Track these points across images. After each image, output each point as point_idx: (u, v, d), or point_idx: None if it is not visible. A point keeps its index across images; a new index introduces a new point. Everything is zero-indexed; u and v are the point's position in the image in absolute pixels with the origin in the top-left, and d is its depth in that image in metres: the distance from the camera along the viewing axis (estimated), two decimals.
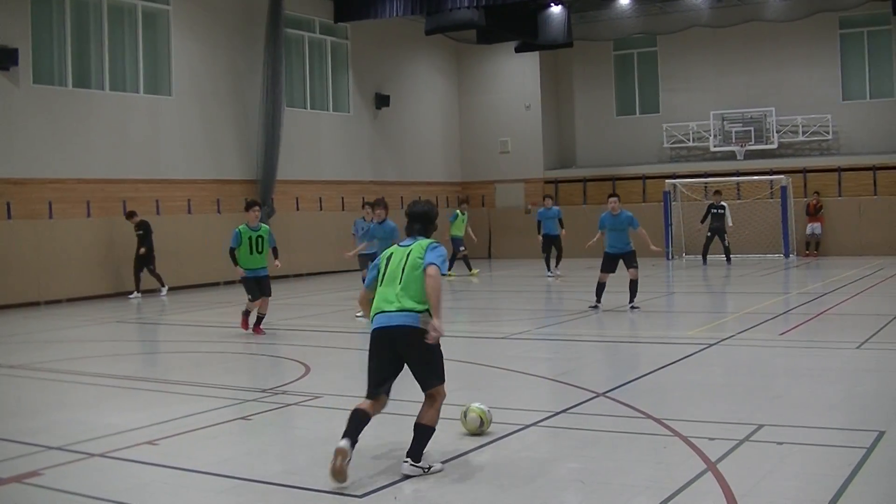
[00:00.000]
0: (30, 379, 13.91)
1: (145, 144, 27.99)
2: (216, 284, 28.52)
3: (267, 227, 18.06)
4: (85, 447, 9.26)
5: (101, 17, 27.14)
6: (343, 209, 33.93)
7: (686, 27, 37.72)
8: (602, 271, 19.64)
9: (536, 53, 38.96)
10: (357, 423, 8.23)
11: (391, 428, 9.99)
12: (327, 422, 10.30)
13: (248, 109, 30.92)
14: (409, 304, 8.35)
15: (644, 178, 37.41)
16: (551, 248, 28.33)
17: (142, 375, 13.37)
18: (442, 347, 8.38)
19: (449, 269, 26.30)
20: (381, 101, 36.92)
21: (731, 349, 14.36)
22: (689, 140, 38.09)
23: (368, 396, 8.45)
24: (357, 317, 19.22)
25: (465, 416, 9.40)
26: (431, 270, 8.36)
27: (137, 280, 25.75)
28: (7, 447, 9.43)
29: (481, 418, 9.33)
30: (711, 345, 14.51)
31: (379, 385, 8.49)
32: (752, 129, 36.48)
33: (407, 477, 8.01)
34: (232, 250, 17.30)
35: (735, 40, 37.71)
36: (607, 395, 10.86)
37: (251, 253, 17.39)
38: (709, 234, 31.76)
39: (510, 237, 39.04)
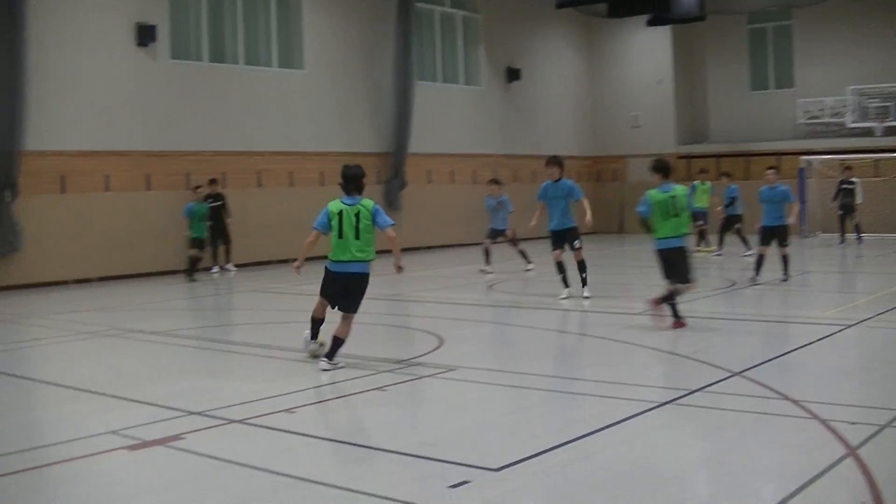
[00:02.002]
0: (170, 346, 14.21)
1: (278, 117, 28.36)
2: None
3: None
4: (224, 413, 9.43)
5: None
6: (474, 182, 33.94)
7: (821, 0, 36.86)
8: (760, 244, 20.02)
9: (668, 27, 38.36)
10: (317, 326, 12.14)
11: (524, 402, 10.03)
12: (461, 394, 10.36)
13: (380, 83, 31.09)
14: (362, 255, 11.51)
15: (778, 154, 36.64)
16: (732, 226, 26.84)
17: (278, 344, 13.52)
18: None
19: (699, 244, 26.38)
20: (513, 74, 36.80)
21: (870, 331, 13.97)
22: (824, 116, 37.10)
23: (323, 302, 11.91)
24: (483, 270, 19.36)
25: None
26: (391, 232, 11.71)
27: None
28: (151, 411, 9.66)
29: None
30: (850, 326, 14.17)
31: (331, 301, 11.82)
32: (891, 104, 35.37)
33: (324, 371, 11.35)
34: None
35: (874, 12, 36.54)
36: (743, 374, 10.69)
37: None
38: (840, 212, 31.11)
39: None
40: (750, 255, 24.24)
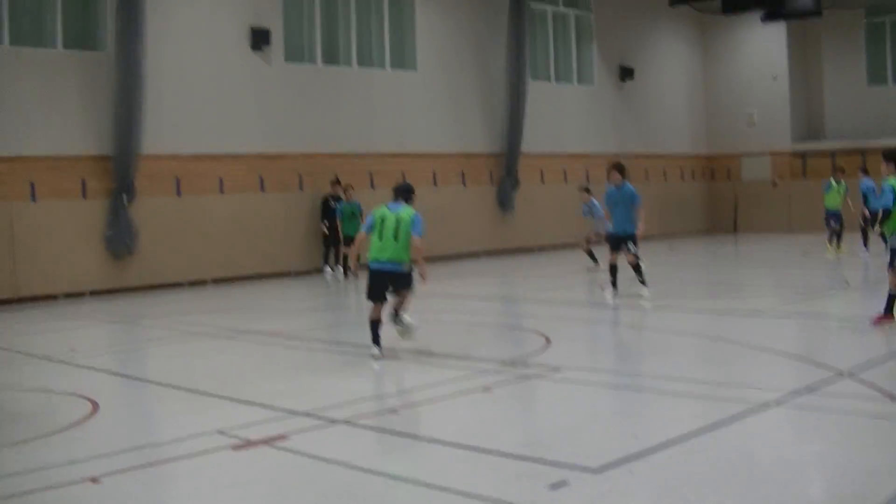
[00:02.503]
0: (279, 346, 14.41)
1: (391, 118, 28.53)
2: (464, 256, 28.81)
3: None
4: (329, 413, 9.53)
5: None
6: (592, 182, 33.78)
7: None
8: None
9: (783, 23, 37.76)
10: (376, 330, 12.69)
11: (627, 402, 9.98)
12: (566, 395, 10.35)
13: (493, 83, 31.11)
14: (400, 256, 12.47)
15: None
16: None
17: (384, 345, 13.57)
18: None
19: (830, 244, 25.92)
20: (626, 73, 36.55)
21: None
22: None
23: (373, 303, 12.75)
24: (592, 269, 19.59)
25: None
26: (417, 242, 12.48)
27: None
28: (256, 411, 9.81)
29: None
30: None
31: (376, 298, 12.69)
32: None
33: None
34: None
35: None
36: (852, 375, 10.50)
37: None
38: None
39: (757, 211, 38.27)
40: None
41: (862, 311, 16.44)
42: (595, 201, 24.18)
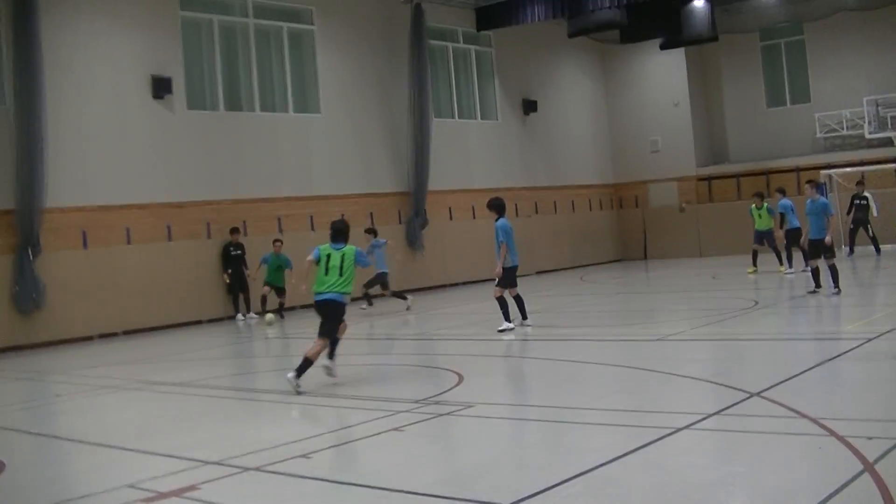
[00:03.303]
0: (190, 396, 14.26)
1: (297, 162, 28.50)
2: (374, 296, 28.75)
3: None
4: (241, 461, 9.42)
5: (248, 42, 27.76)
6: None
7: (833, 12, 36.67)
8: (811, 258, 21.13)
9: (682, 49, 38.38)
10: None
11: (540, 435, 10.00)
12: (481, 431, 10.35)
13: (397, 122, 31.22)
14: (342, 289, 13.72)
15: (798, 169, 36.50)
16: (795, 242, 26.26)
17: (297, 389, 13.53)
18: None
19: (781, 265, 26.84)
20: (529, 106, 36.89)
21: (889, 344, 13.79)
22: (842, 129, 36.91)
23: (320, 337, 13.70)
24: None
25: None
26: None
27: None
28: (167, 462, 9.66)
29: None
30: (871, 339, 14.05)
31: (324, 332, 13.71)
32: None
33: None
34: None
35: (885, 22, 36.43)
36: (762, 394, 10.60)
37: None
38: (852, 225, 31.31)
39: (666, 237, 38.75)
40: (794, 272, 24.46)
41: (770, 330, 16.72)
42: (379, 241, 24.80)
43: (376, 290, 25.50)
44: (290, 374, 13.14)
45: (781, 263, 26.84)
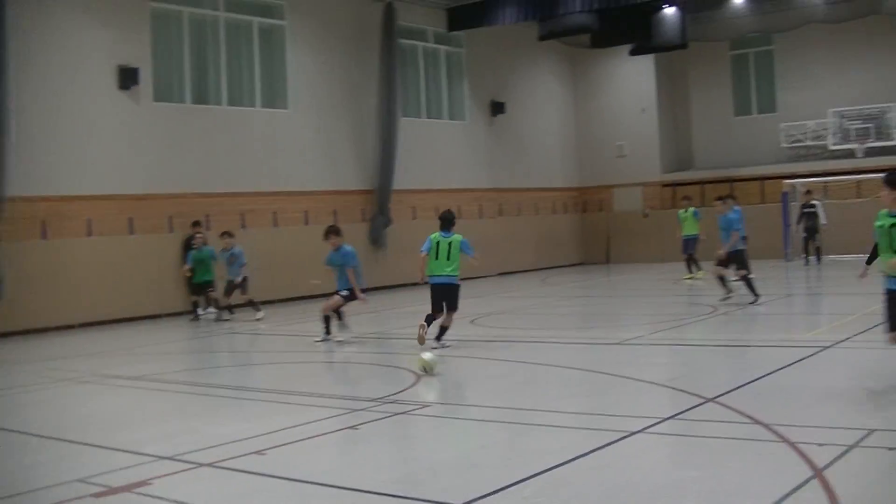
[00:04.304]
0: (146, 390, 14.18)
1: (263, 157, 28.39)
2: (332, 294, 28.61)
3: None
4: (194, 457, 9.38)
5: (218, 35, 27.65)
6: (461, 217, 33.89)
7: (802, 24, 36.90)
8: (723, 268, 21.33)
9: (651, 56, 38.55)
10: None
11: (496, 435, 10.00)
12: (436, 431, 10.37)
13: (365, 120, 31.15)
14: (454, 272, 16.22)
15: (762, 178, 36.76)
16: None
17: (252, 386, 13.55)
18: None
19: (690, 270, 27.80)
20: (497, 108, 36.91)
21: (845, 353, 13.99)
22: (807, 139, 37.23)
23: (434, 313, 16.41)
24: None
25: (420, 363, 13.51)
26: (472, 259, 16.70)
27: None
28: (119, 457, 9.61)
29: (424, 368, 13.35)
30: (826, 348, 14.19)
31: (438, 310, 16.26)
32: (871, 126, 35.50)
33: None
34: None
35: (853, 36, 36.75)
36: (716, 400, 10.68)
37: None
38: (804, 234, 31.74)
39: (629, 241, 38.87)
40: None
41: (727, 336, 16.82)
42: (236, 250, 23.89)
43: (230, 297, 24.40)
44: (434, 344, 15.78)
45: (689, 271, 27.78)
